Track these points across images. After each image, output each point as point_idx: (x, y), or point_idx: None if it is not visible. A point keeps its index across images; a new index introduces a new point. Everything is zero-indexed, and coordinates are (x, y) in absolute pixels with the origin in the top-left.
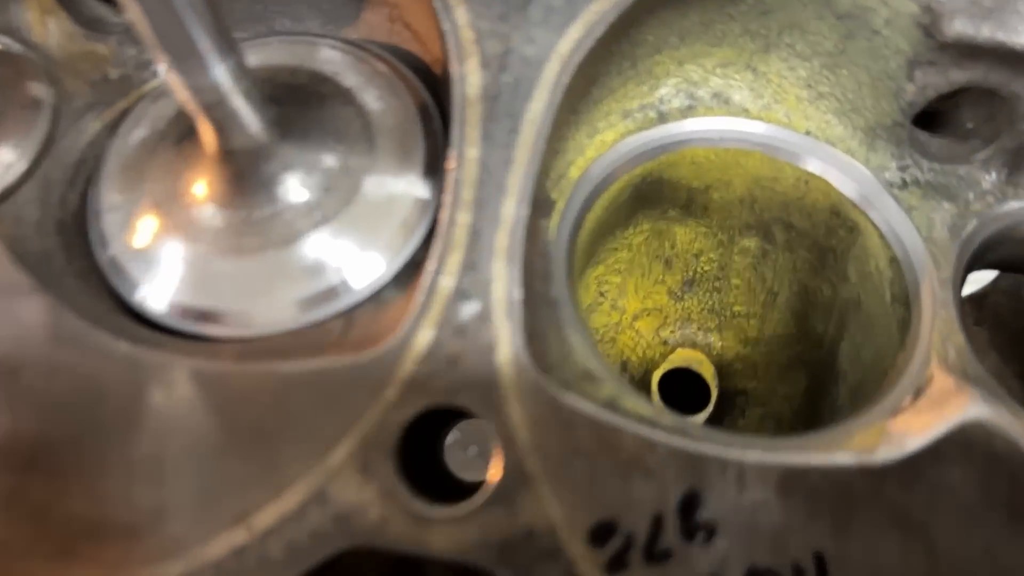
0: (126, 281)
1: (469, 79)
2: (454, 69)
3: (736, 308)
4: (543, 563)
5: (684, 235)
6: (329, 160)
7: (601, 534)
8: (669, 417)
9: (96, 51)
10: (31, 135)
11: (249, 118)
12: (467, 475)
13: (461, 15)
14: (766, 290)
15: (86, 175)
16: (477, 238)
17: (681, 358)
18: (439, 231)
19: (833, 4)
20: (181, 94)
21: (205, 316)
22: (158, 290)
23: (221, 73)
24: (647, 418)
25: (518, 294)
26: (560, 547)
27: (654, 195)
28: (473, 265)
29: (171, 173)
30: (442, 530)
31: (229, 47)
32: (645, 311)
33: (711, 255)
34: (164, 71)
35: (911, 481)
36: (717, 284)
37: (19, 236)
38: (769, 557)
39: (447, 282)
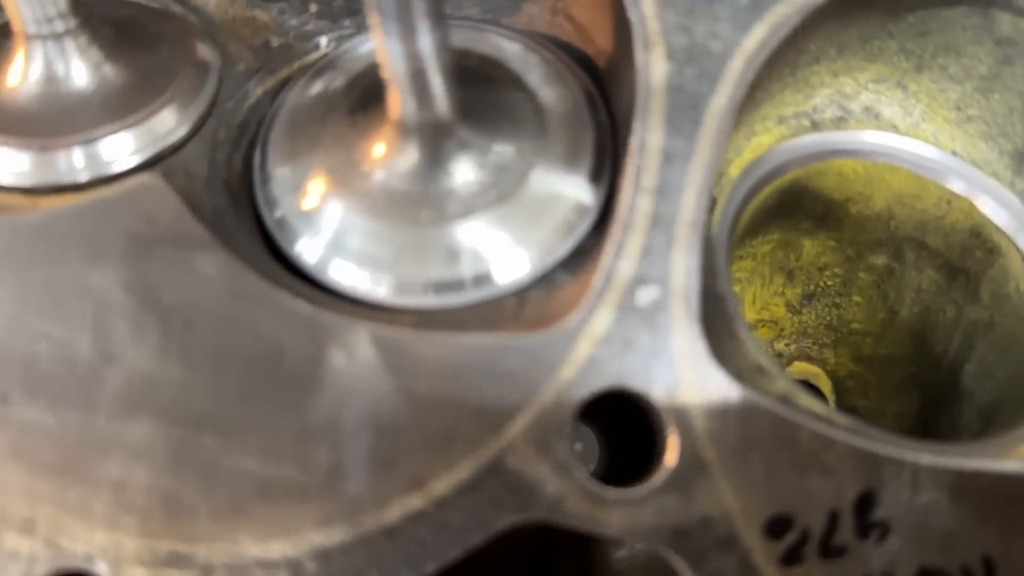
0: (297, 243)
1: (654, 69)
2: (639, 58)
3: (854, 325)
4: (718, 551)
5: (811, 248)
6: (504, 142)
7: (777, 527)
8: (843, 417)
9: (257, 18)
10: (199, 94)
11: (440, 92)
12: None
13: (648, 6)
14: (886, 309)
15: (249, 138)
16: (657, 225)
17: (799, 371)
18: (618, 216)
19: (994, 29)
20: (386, 57)
21: (380, 283)
22: (331, 254)
23: (428, 43)
24: (823, 416)
25: (696, 284)
26: (736, 537)
27: (793, 204)
28: (653, 252)
29: (343, 142)
30: (617, 510)
31: (439, 19)
32: (761, 322)
33: (836, 270)
34: (375, 33)
35: None
36: (838, 300)
37: (191, 191)
38: (939, 558)
39: (626, 266)
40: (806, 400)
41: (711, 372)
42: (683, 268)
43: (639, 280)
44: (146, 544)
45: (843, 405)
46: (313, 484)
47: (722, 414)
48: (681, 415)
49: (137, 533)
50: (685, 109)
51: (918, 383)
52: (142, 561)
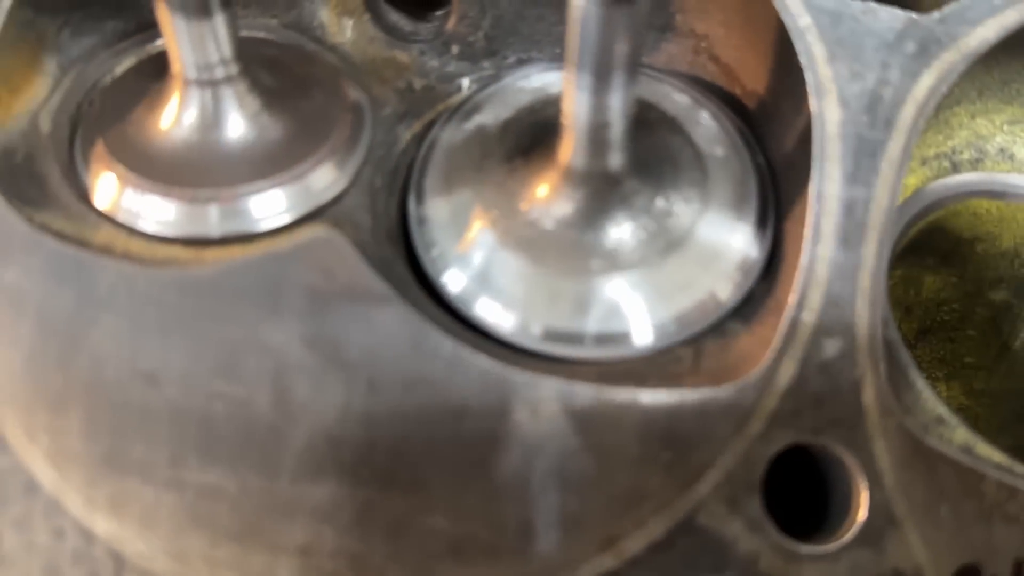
0: (464, 294)
1: (828, 116)
2: (813, 105)
3: (967, 359)
4: None
5: (932, 283)
6: (669, 190)
7: None
8: (1022, 466)
9: (397, 59)
10: (358, 141)
11: (618, 144)
12: None
13: (820, 52)
14: (1000, 343)
15: (402, 184)
16: (839, 273)
17: None
18: (801, 265)
19: None
20: (572, 107)
21: (554, 335)
22: (500, 304)
23: (619, 98)
24: (1004, 465)
25: (881, 334)
26: None
27: (924, 242)
28: (836, 303)
29: (502, 188)
30: (812, 566)
31: (634, 75)
32: None
33: (954, 305)
34: (567, 84)
35: None
36: (952, 335)
37: (361, 241)
38: None
39: (808, 317)
40: (985, 449)
41: (900, 424)
42: (868, 319)
43: (823, 331)
44: None
45: None
46: (503, 544)
47: (910, 466)
48: (872, 468)
49: None
50: (863, 157)
51: None
52: None
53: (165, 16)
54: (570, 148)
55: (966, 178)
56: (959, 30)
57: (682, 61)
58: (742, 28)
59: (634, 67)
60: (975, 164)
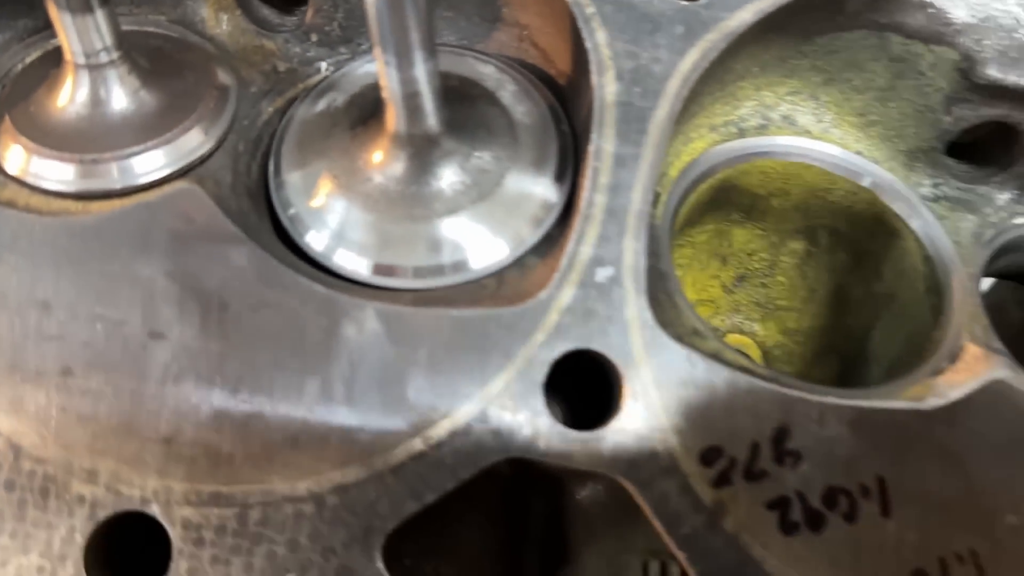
0: (307, 235)
1: (607, 88)
2: (594, 80)
3: (779, 302)
4: (663, 477)
5: (742, 235)
6: (482, 150)
7: (710, 456)
8: (762, 368)
9: (265, 46)
10: (222, 113)
11: (431, 111)
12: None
13: (601, 36)
14: (807, 287)
15: (264, 150)
16: (611, 216)
17: (732, 342)
18: (579, 209)
19: (888, 48)
20: (386, 81)
21: (382, 269)
22: (335, 244)
23: (421, 71)
24: (747, 367)
25: (644, 263)
26: (677, 465)
27: (724, 198)
28: (608, 238)
29: (346, 152)
30: (581, 448)
31: (432, 52)
32: (700, 301)
33: (763, 254)
34: (378, 63)
35: (952, 423)
36: (765, 280)
37: (220, 196)
38: (842, 479)
39: (586, 250)
40: (732, 355)
41: (656, 334)
42: (633, 251)
43: (597, 261)
44: (192, 488)
45: None
46: (332, 434)
47: (665, 367)
48: (632, 369)
49: (184, 479)
50: (633, 121)
51: (836, 351)
52: (189, 502)
53: (54, 12)
54: (392, 117)
55: (751, 141)
56: (721, 14)
57: (510, 47)
58: (552, 18)
59: (429, 45)
60: (761, 130)
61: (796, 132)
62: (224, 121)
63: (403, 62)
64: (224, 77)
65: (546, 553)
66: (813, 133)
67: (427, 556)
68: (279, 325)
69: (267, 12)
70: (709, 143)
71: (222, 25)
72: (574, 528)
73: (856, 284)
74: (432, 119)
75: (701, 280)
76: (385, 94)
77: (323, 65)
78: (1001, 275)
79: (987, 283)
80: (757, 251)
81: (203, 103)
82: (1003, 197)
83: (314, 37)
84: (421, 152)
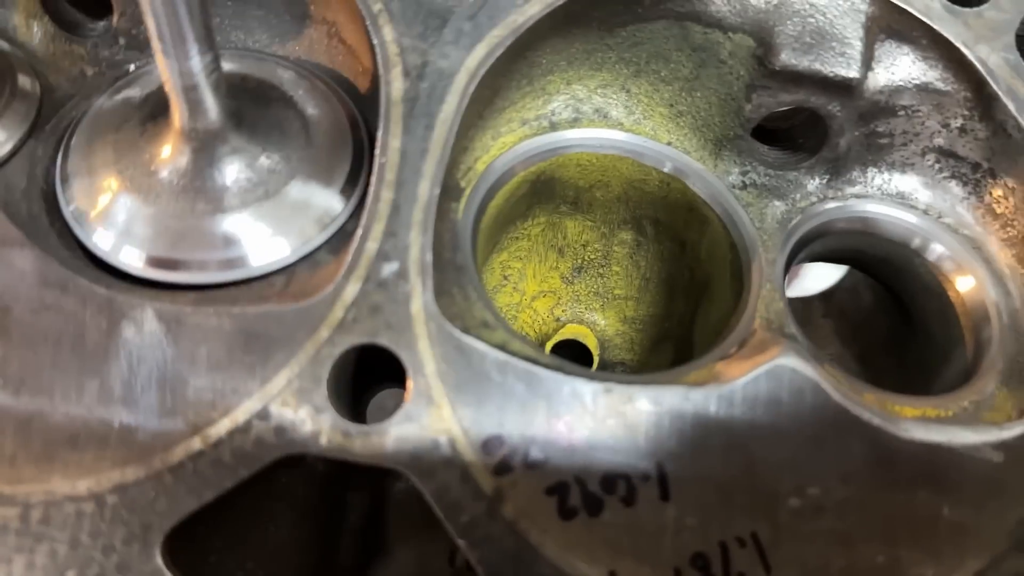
0: (93, 235)
1: (393, 84)
2: (381, 76)
3: (616, 291)
4: (445, 467)
5: (574, 227)
6: (273, 151)
7: (491, 445)
8: (547, 357)
9: (75, 51)
10: (20, 120)
11: (213, 104)
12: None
13: (388, 32)
14: (640, 276)
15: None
16: (397, 211)
17: (570, 332)
18: (367, 205)
19: (689, 37)
20: (166, 74)
21: (165, 264)
22: (121, 241)
23: (199, 63)
24: (531, 357)
25: (429, 257)
26: (459, 454)
27: (547, 191)
28: (394, 233)
29: (135, 147)
30: (362, 440)
31: (210, 45)
32: (542, 293)
33: (596, 245)
34: (157, 55)
35: (732, 408)
36: (601, 271)
37: (10, 200)
38: (622, 464)
39: (372, 246)
40: (518, 345)
41: (441, 326)
42: (419, 245)
43: (383, 256)
44: None
45: (612, 360)
46: (112, 434)
47: (449, 359)
48: (416, 362)
49: None
50: (419, 117)
51: (670, 338)
52: None
53: None
54: (175, 110)
55: (564, 135)
56: (509, 9)
57: (320, 44)
58: (352, 14)
59: (206, 38)
60: (573, 123)
61: (609, 125)
62: (22, 127)
63: (179, 53)
64: (25, 83)
65: (363, 544)
66: (625, 125)
67: (232, 551)
68: (60, 327)
69: (76, 17)
70: (520, 137)
71: (32, 31)
72: (390, 519)
73: (682, 271)
74: (213, 113)
75: (541, 272)
76: (166, 86)
77: (132, 68)
78: (827, 259)
79: (842, 269)
80: (591, 242)
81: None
82: (814, 183)
83: (122, 41)
84: (206, 147)
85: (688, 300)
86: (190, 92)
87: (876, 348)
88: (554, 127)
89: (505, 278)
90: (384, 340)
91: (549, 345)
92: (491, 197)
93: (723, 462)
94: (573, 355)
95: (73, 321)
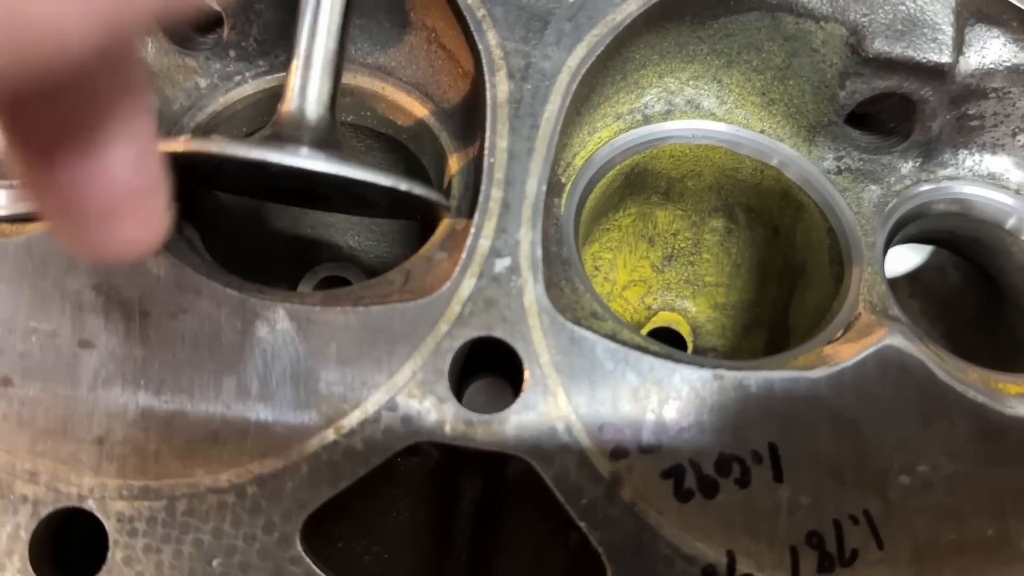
0: None
1: (499, 87)
2: (487, 79)
3: (707, 279)
4: (563, 453)
5: (664, 217)
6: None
7: (606, 431)
8: (657, 345)
9: (187, 64)
10: None
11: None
12: None
13: (492, 37)
14: (731, 263)
15: None
16: (507, 209)
17: (662, 319)
18: (479, 203)
19: (781, 28)
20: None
21: None
22: None
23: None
24: (641, 345)
25: (540, 252)
26: (576, 441)
27: (640, 183)
28: (504, 229)
29: None
30: (484, 429)
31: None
32: (632, 282)
33: (686, 234)
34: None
35: (841, 389)
36: (692, 258)
37: None
38: (734, 447)
39: (484, 243)
40: (628, 335)
41: (554, 318)
42: (529, 241)
43: (495, 253)
44: (124, 483)
45: (704, 346)
46: (250, 428)
47: (562, 349)
48: (531, 352)
49: (116, 475)
50: (524, 117)
51: (763, 323)
52: (122, 497)
53: None
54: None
55: (657, 127)
56: (607, 8)
57: (420, 50)
58: (453, 20)
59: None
60: (666, 116)
61: (701, 115)
62: None
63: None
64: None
65: (477, 528)
66: (718, 115)
67: (358, 536)
68: (196, 329)
69: (187, 31)
70: (615, 131)
71: (147, 48)
72: (504, 504)
73: (775, 257)
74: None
75: (631, 262)
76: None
77: (241, 77)
78: (919, 240)
79: (927, 249)
80: (681, 231)
81: None
82: (907, 166)
83: (232, 52)
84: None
85: (781, 285)
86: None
87: (965, 326)
88: (647, 120)
89: (596, 268)
90: (500, 333)
91: (643, 332)
92: (590, 191)
93: (834, 442)
94: (666, 343)
95: (208, 323)
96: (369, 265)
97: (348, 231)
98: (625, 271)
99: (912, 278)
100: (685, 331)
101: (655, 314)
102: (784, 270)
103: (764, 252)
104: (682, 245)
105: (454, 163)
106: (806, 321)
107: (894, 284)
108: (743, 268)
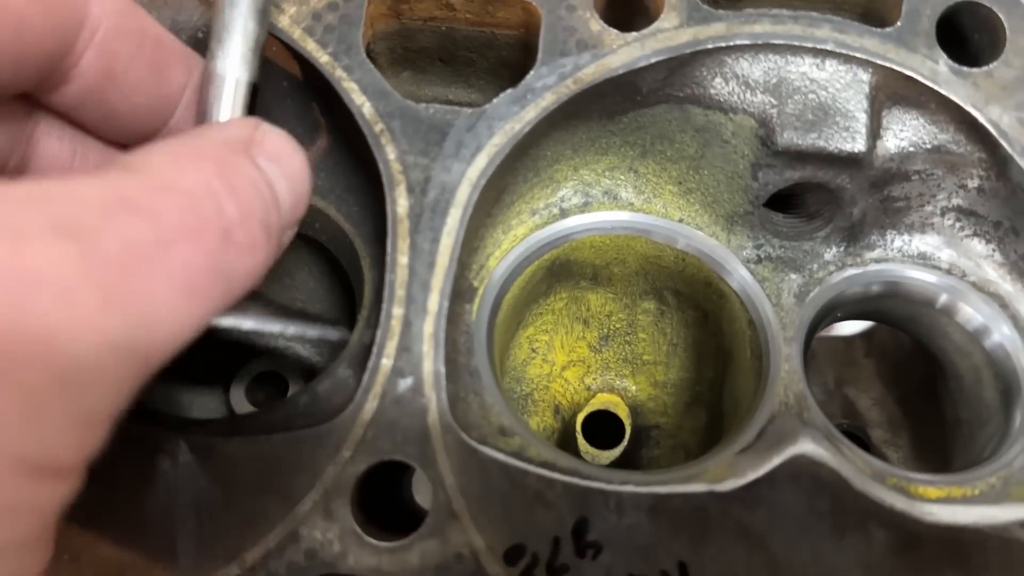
0: None
1: (399, 201)
2: (387, 194)
3: (645, 357)
4: None
5: (596, 300)
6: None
7: (513, 555)
8: (565, 459)
9: None
10: None
11: None
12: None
13: (391, 151)
14: (667, 342)
15: None
16: (409, 327)
17: (600, 401)
18: (381, 323)
19: (691, 119)
20: None
21: None
22: None
23: None
24: (547, 462)
25: (442, 369)
26: (482, 568)
27: (565, 272)
28: (407, 348)
29: None
30: (389, 556)
31: None
32: (571, 362)
33: (620, 315)
34: None
35: (752, 503)
36: (628, 338)
37: None
38: (643, 567)
39: (387, 363)
40: (536, 451)
41: (458, 438)
42: (431, 359)
43: (397, 372)
44: None
45: (647, 424)
46: (155, 562)
47: (467, 471)
48: (436, 475)
49: None
50: (425, 231)
51: (702, 401)
52: None
53: None
54: None
55: (575, 220)
56: (505, 117)
57: (330, 156)
58: (353, 125)
59: None
60: (583, 208)
61: (619, 206)
62: None
63: None
64: None
65: None
66: (636, 205)
67: None
68: (99, 463)
69: None
70: (531, 227)
71: None
72: None
73: (707, 338)
74: None
75: (568, 343)
76: None
77: None
78: (854, 318)
79: None
80: (614, 312)
81: None
82: (831, 251)
83: None
84: None
85: (716, 367)
86: None
87: (915, 393)
88: (564, 213)
89: (534, 351)
90: (403, 456)
91: (580, 417)
92: (506, 291)
93: (746, 560)
94: (605, 425)
95: (111, 456)
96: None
97: None
98: (563, 352)
99: (868, 337)
100: (623, 413)
101: (594, 395)
102: (716, 353)
103: (697, 333)
104: (617, 326)
105: (366, 269)
106: (733, 409)
107: (851, 342)
108: (679, 347)
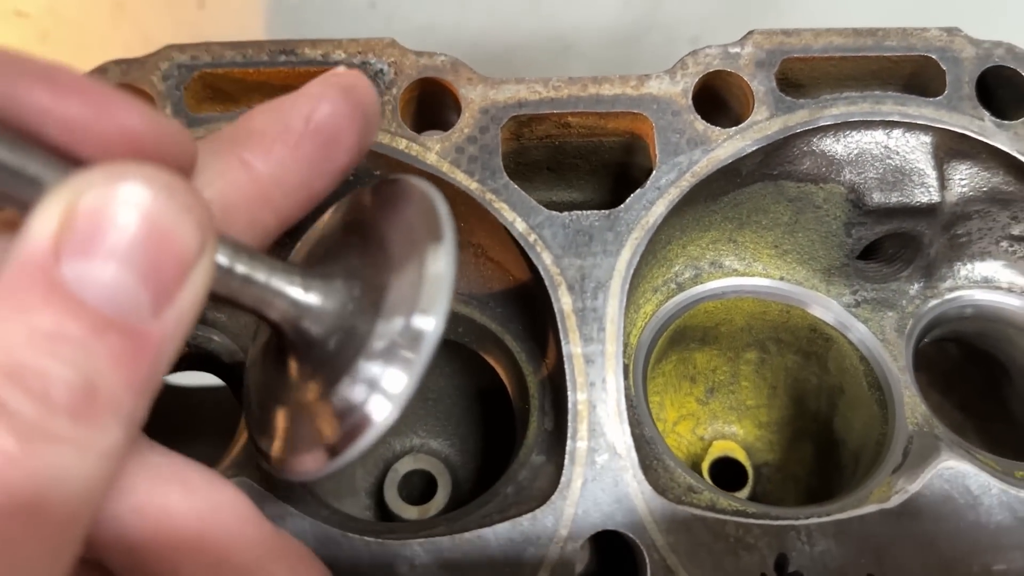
0: None
1: (563, 299)
2: (551, 294)
3: (748, 402)
4: None
5: (702, 358)
6: None
7: None
8: (753, 505)
9: None
10: None
11: None
12: None
13: (547, 257)
14: (768, 386)
15: None
16: (594, 409)
17: (719, 449)
18: (568, 409)
19: (784, 192)
20: None
21: None
22: None
23: None
24: (740, 510)
25: (631, 442)
26: None
27: (680, 337)
28: (596, 428)
29: None
30: None
31: None
32: (681, 417)
33: (724, 368)
34: None
35: (916, 514)
36: (731, 388)
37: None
38: None
39: (581, 444)
40: (726, 501)
41: (658, 502)
42: (620, 434)
43: (592, 452)
44: None
45: (759, 462)
46: None
47: (672, 530)
48: (646, 537)
49: None
50: (591, 322)
51: (806, 435)
52: None
53: None
54: None
55: (689, 292)
56: (640, 213)
57: (469, 264)
58: (499, 238)
59: None
60: (695, 280)
61: (725, 273)
62: None
63: None
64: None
65: None
66: (740, 271)
67: None
68: None
69: None
70: (656, 304)
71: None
72: None
73: (809, 377)
74: None
75: (677, 400)
76: None
77: None
78: (942, 342)
79: None
80: (719, 366)
81: None
82: (914, 287)
83: None
84: None
85: (820, 402)
86: None
87: (976, 395)
88: (681, 288)
89: None
90: (614, 525)
91: (705, 466)
92: (647, 364)
93: (921, 564)
94: (728, 471)
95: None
96: (439, 450)
97: (415, 423)
98: (673, 409)
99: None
100: (742, 457)
101: (710, 444)
102: (820, 388)
103: (797, 373)
104: (721, 378)
105: (523, 363)
106: (856, 437)
107: None
108: (779, 389)
